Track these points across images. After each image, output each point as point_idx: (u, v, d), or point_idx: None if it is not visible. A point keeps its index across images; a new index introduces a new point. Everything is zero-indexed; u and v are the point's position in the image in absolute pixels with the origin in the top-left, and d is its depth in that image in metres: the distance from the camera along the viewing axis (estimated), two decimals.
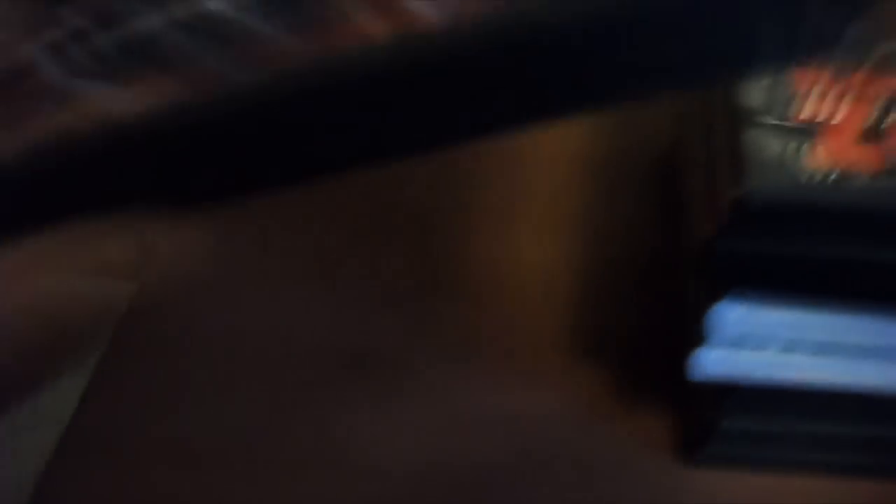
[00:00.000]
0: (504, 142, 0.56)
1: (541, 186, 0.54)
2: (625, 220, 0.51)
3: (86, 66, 0.21)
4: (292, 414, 0.43)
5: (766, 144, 0.26)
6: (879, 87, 0.28)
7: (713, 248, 0.28)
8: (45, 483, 0.41)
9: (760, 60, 0.19)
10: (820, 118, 0.27)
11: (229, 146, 0.23)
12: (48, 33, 0.22)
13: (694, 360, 0.32)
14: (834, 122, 0.27)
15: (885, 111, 0.27)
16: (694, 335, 0.32)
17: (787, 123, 0.27)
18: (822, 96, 0.27)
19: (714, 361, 0.32)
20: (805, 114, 0.27)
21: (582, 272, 0.48)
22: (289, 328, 0.47)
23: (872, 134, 0.26)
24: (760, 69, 0.24)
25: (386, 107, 0.21)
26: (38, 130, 0.22)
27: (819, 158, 0.26)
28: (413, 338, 0.46)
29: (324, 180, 0.25)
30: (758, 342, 0.31)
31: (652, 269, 0.48)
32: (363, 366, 0.45)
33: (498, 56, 0.19)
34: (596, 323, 0.46)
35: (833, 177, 0.26)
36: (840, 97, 0.27)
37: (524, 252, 0.50)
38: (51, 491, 0.41)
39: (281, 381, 0.44)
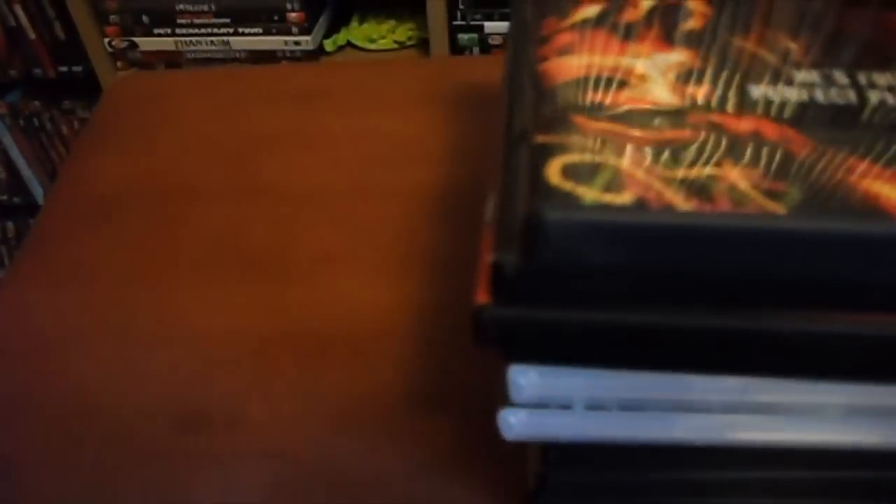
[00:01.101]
0: (336, 178, 0.56)
1: (380, 223, 0.53)
2: (464, 259, 0.51)
3: None
4: (125, 482, 0.41)
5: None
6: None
7: (482, 317, 0.26)
8: None
9: None
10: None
11: None
12: None
13: (501, 421, 0.31)
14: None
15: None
16: (500, 394, 0.31)
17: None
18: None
19: (520, 423, 0.31)
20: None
21: (423, 316, 0.48)
22: (121, 389, 0.45)
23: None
24: None
25: None
26: None
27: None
28: (249, 394, 0.44)
29: None
30: (561, 402, 0.30)
31: None
32: (198, 427, 0.43)
33: None
34: (436, 372, 0.45)
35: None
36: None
37: (363, 295, 0.49)
38: None
39: (113, 445, 0.42)
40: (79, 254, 0.53)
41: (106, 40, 1.38)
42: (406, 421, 0.43)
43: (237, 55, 1.34)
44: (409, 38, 1.34)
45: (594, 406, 0.30)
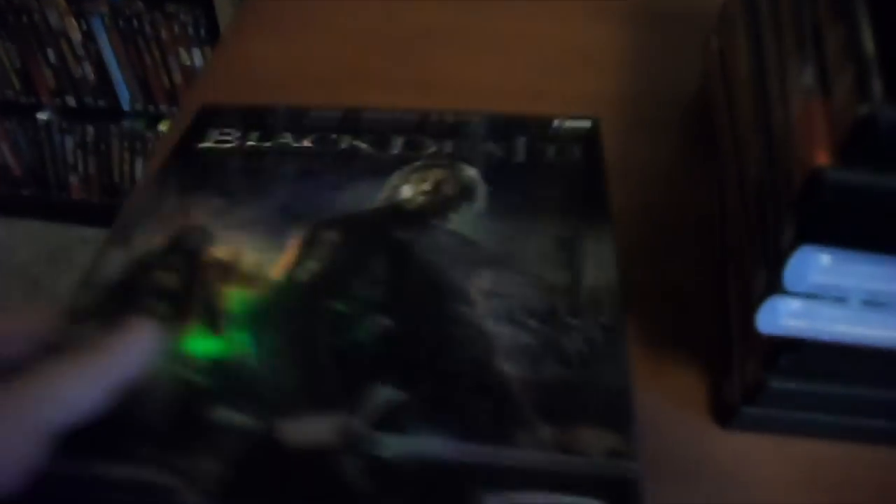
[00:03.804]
0: (508, 80, 0.54)
1: None
2: (654, 163, 0.49)
3: None
4: None
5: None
6: None
7: (823, 181, 0.24)
8: None
9: None
10: None
11: None
12: None
13: (766, 310, 0.29)
14: None
15: None
16: (768, 281, 0.29)
17: None
18: None
19: (790, 313, 0.29)
20: None
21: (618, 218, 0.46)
22: None
23: None
24: None
25: None
26: None
27: None
28: None
29: None
30: (839, 294, 0.28)
31: (687, 216, 0.46)
32: None
33: None
34: (629, 272, 0.43)
35: None
36: None
37: None
38: None
39: None
40: None
41: None
42: None
43: None
44: None
45: (871, 302, 0.28)
